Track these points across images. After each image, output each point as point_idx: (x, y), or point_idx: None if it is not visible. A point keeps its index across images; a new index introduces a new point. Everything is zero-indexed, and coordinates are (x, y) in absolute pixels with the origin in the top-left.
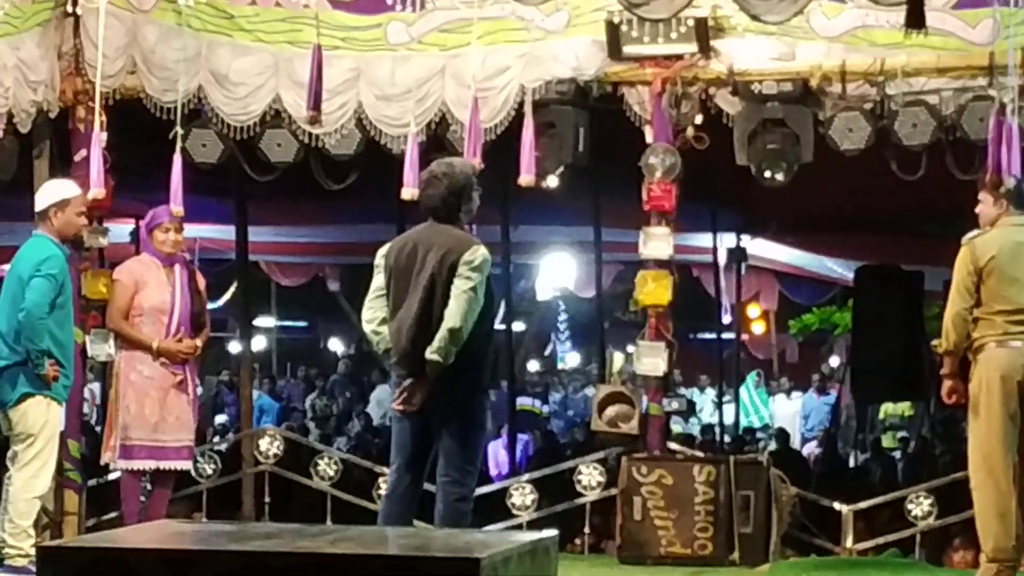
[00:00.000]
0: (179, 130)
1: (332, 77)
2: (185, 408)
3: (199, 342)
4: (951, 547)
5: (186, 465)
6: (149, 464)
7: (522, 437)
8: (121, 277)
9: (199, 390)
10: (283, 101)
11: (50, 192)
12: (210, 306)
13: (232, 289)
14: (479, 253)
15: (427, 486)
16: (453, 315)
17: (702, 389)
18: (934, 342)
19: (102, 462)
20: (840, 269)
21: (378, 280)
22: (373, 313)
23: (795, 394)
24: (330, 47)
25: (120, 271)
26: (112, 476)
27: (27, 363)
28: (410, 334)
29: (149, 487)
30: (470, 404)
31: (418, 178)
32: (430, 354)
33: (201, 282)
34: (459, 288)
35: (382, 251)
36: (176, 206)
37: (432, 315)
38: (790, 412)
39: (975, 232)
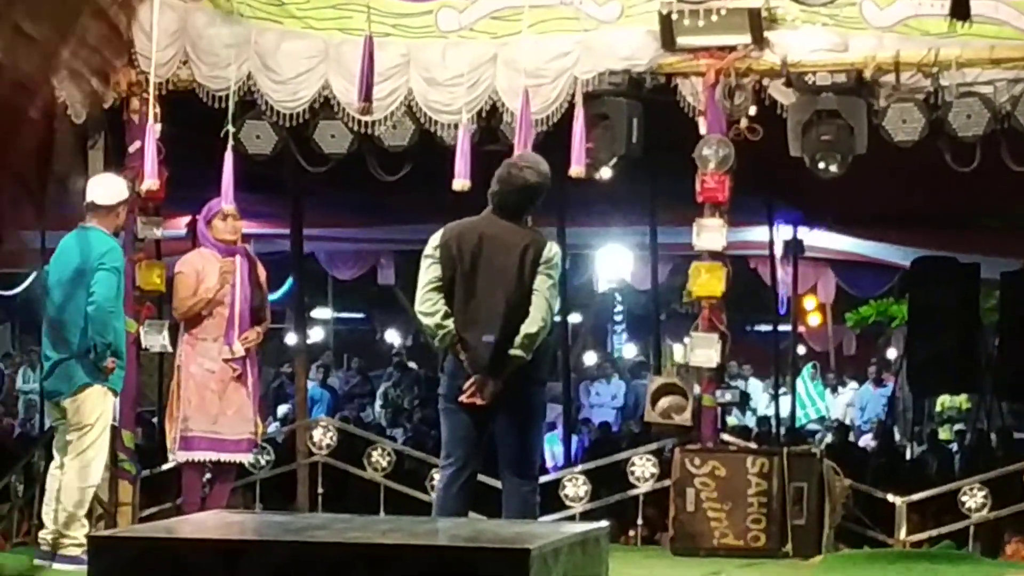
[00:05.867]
0: (230, 128)
1: (382, 62)
2: (245, 401)
3: (260, 329)
4: (1005, 540)
5: (246, 458)
6: (209, 455)
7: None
8: (184, 269)
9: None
10: (333, 88)
11: (118, 189)
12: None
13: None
14: (555, 251)
15: (481, 477)
16: (539, 312)
17: (762, 379)
18: None
19: (170, 457)
20: (896, 261)
21: (435, 271)
22: (433, 306)
23: (841, 388)
24: (381, 34)
25: (182, 263)
26: (166, 466)
27: (87, 355)
28: (494, 329)
29: (209, 478)
30: (532, 398)
31: (471, 168)
32: (515, 350)
33: (262, 274)
34: (542, 286)
35: (435, 242)
36: (228, 204)
37: (520, 313)
38: (838, 406)
39: None
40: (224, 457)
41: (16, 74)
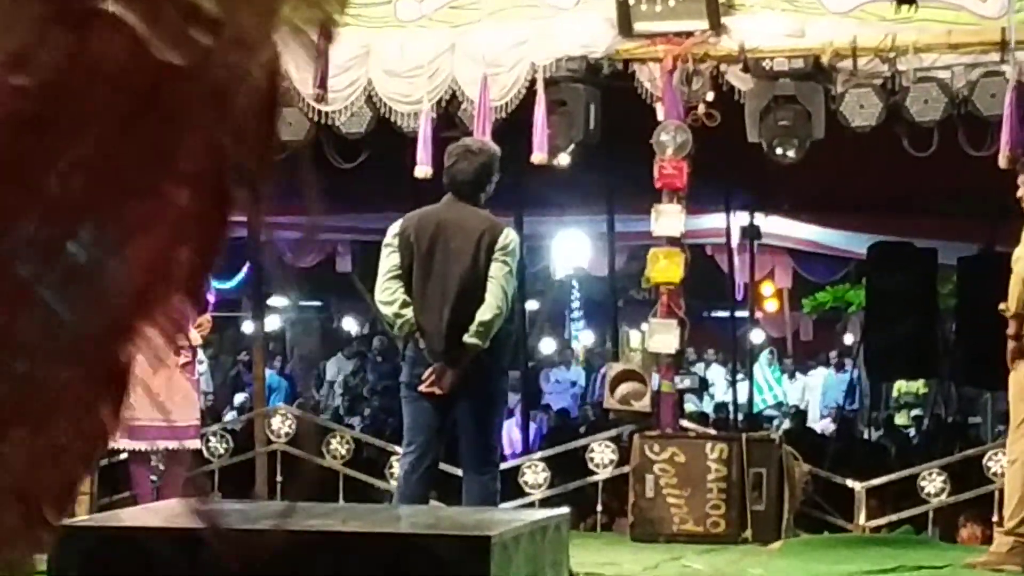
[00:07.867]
0: None
1: (341, 53)
2: (189, 388)
3: (209, 317)
4: (961, 524)
5: (194, 444)
6: (158, 444)
7: (536, 414)
8: None
9: (203, 366)
10: (291, 76)
11: None
12: (224, 286)
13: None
14: (512, 237)
15: (441, 465)
16: (494, 299)
17: (720, 365)
18: (1001, 306)
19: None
20: (853, 247)
21: (393, 259)
22: (392, 295)
23: (800, 375)
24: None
25: None
26: (124, 456)
27: None
28: (449, 316)
29: (161, 467)
30: (493, 386)
31: (431, 155)
32: (470, 338)
33: None
34: (498, 273)
35: (394, 229)
36: None
37: (474, 297)
38: (793, 391)
39: None
40: (173, 444)
41: (235, 30)
